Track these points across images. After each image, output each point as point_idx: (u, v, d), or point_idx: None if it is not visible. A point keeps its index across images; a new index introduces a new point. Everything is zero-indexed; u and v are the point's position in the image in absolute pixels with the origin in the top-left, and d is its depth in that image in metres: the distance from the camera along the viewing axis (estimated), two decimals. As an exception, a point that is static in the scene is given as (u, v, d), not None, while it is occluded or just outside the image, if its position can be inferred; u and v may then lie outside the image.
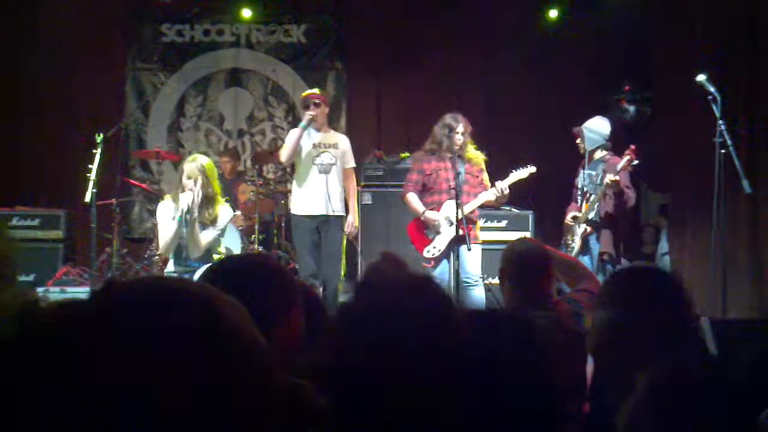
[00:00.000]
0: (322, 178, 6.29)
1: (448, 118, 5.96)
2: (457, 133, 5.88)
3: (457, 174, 5.76)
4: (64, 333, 0.76)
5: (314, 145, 6.35)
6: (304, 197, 6.35)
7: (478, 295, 5.84)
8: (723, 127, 5.18)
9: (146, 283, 0.88)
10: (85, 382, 0.73)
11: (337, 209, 6.29)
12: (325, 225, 6.26)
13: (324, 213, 6.24)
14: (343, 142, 6.49)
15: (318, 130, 6.41)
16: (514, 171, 6.03)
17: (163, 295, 0.81)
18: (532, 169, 6.03)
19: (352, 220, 6.38)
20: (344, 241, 6.51)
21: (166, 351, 0.76)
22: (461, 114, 6.01)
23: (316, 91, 6.72)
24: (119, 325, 0.77)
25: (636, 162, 6.03)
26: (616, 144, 6.37)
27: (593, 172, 6.24)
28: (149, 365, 0.74)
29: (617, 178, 5.93)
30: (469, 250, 5.61)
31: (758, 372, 1.92)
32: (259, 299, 1.24)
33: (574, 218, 6.26)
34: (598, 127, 6.33)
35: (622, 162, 5.99)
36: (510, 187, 5.99)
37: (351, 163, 6.50)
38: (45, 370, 0.73)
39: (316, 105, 6.38)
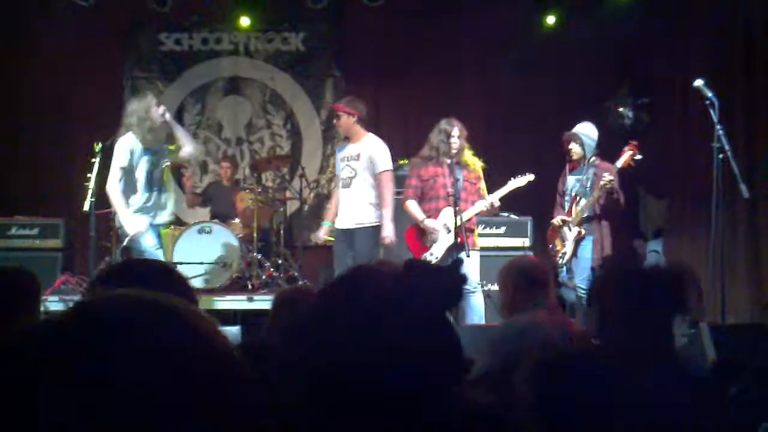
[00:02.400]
0: (345, 192, 6.20)
1: (443, 123, 5.98)
2: (453, 137, 5.89)
3: (456, 180, 5.77)
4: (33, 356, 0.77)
5: (341, 159, 6.30)
6: (338, 212, 6.29)
7: (477, 301, 5.85)
8: (721, 132, 5.19)
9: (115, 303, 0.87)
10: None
11: (363, 220, 6.09)
12: (351, 237, 6.13)
13: (349, 227, 6.14)
14: (366, 149, 6.16)
15: (348, 141, 6.27)
16: (512, 179, 6.05)
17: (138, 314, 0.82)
18: (530, 177, 6.04)
19: (386, 232, 5.99)
20: (379, 251, 6.22)
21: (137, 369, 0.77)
22: (456, 119, 6.02)
23: (337, 104, 6.62)
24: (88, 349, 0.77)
25: (639, 157, 6.01)
26: (611, 149, 6.37)
27: (583, 177, 6.24)
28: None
29: (613, 177, 5.94)
30: (468, 256, 5.61)
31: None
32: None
33: (564, 221, 6.24)
34: (591, 132, 6.34)
35: (624, 157, 5.99)
36: (508, 193, 6.01)
37: (380, 167, 6.09)
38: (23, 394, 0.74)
39: (336, 118, 6.35)
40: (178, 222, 8.52)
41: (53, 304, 5.92)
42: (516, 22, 8.45)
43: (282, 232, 8.10)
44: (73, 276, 7.05)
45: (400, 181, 6.55)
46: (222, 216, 7.68)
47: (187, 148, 5.99)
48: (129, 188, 5.84)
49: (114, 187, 5.77)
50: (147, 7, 8.52)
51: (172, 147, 5.99)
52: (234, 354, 0.85)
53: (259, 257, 7.38)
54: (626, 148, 6.07)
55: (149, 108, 5.80)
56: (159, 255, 5.86)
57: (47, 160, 8.65)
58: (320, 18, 9.02)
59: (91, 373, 0.75)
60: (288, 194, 8.55)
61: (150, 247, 5.86)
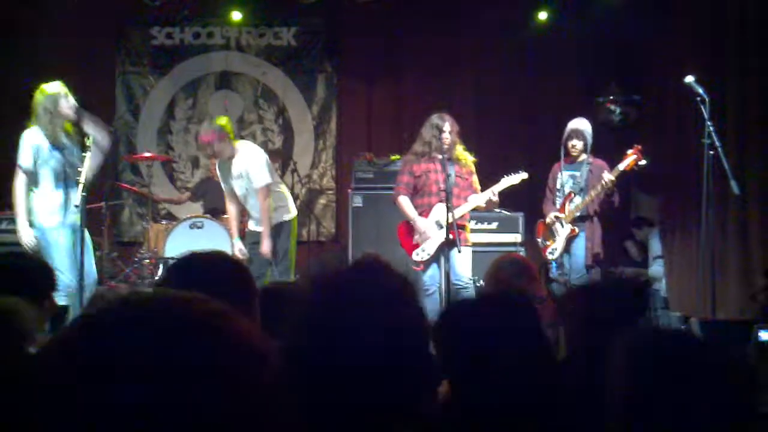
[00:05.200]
0: (246, 205, 6.34)
1: (434, 118, 5.97)
2: (445, 132, 5.88)
3: (447, 176, 5.77)
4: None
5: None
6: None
7: (467, 297, 5.85)
8: (711, 129, 5.20)
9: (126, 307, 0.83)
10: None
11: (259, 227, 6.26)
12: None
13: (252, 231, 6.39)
14: (241, 164, 6.17)
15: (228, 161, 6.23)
16: (505, 177, 6.05)
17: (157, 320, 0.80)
18: (524, 175, 6.04)
19: (264, 247, 6.13)
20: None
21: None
22: (448, 114, 6.02)
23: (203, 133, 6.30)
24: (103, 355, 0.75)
25: (643, 162, 6.00)
26: (599, 145, 6.39)
27: (576, 173, 6.24)
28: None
29: (614, 179, 5.92)
30: (459, 252, 5.62)
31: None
32: (223, 294, 1.26)
33: (557, 218, 6.23)
34: (589, 129, 6.34)
35: (627, 161, 5.97)
36: (502, 190, 6.02)
37: (257, 183, 6.13)
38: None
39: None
40: (169, 217, 8.53)
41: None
42: (509, 18, 8.46)
43: (274, 227, 8.09)
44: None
45: (391, 177, 6.55)
46: (214, 211, 7.67)
47: (99, 139, 5.52)
48: (35, 186, 5.45)
49: (18, 186, 5.42)
50: (138, 1, 8.49)
51: (88, 142, 5.47)
52: (267, 362, 0.82)
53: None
54: (630, 152, 6.02)
55: (57, 99, 5.43)
56: (73, 254, 5.43)
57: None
58: (312, 13, 8.99)
59: (95, 399, 0.72)
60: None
61: (62, 246, 5.43)
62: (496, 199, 5.97)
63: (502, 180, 6.03)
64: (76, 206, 5.47)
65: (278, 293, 2.86)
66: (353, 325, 1.28)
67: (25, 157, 5.40)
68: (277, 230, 6.26)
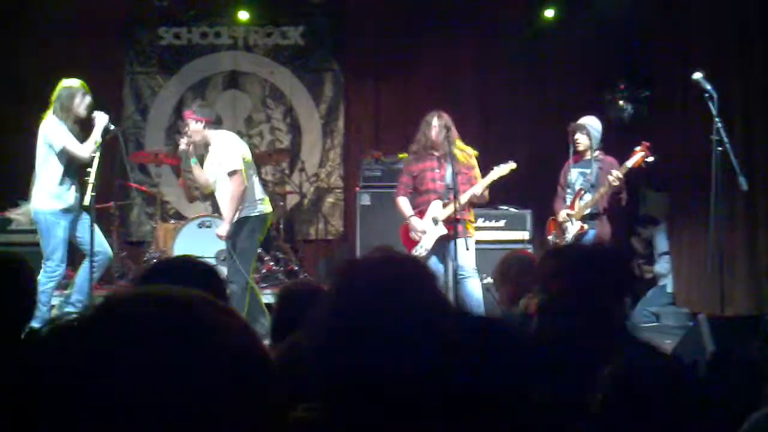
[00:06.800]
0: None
1: (427, 116, 6.07)
2: (434, 127, 5.93)
3: (448, 173, 5.83)
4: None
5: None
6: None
7: (473, 287, 5.87)
8: (720, 125, 5.19)
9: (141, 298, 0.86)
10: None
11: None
12: None
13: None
14: (211, 153, 6.05)
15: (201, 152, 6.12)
16: (495, 168, 6.05)
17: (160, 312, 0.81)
18: (512, 165, 6.04)
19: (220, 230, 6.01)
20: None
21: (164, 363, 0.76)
22: (443, 111, 6.04)
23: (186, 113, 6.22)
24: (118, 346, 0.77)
25: (651, 159, 5.96)
26: (610, 143, 6.38)
27: (587, 170, 6.22)
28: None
29: (622, 176, 5.90)
30: (455, 242, 5.70)
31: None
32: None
33: (568, 216, 6.22)
34: (597, 125, 6.32)
35: (635, 158, 5.93)
36: (506, 187, 6.03)
37: (225, 168, 5.93)
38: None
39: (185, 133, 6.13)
40: (178, 216, 8.56)
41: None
42: (515, 16, 8.46)
43: (282, 226, 8.12)
44: (74, 271, 7.06)
45: (399, 175, 6.56)
46: (222, 210, 7.68)
47: (81, 150, 5.62)
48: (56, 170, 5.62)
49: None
50: (146, 1, 8.51)
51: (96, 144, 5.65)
52: (262, 350, 0.84)
53: (258, 251, 7.38)
54: (638, 149, 5.98)
55: (74, 95, 5.64)
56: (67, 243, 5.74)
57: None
58: (319, 12, 9.02)
59: (107, 381, 0.74)
60: (288, 188, 8.57)
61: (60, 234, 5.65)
62: (483, 194, 5.95)
63: (491, 172, 6.03)
64: (86, 207, 5.54)
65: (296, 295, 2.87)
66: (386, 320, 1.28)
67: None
68: (240, 224, 5.93)
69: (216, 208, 7.88)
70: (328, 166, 9.12)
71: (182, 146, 6.09)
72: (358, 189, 7.61)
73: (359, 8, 8.94)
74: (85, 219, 5.76)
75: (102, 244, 5.87)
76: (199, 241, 7.07)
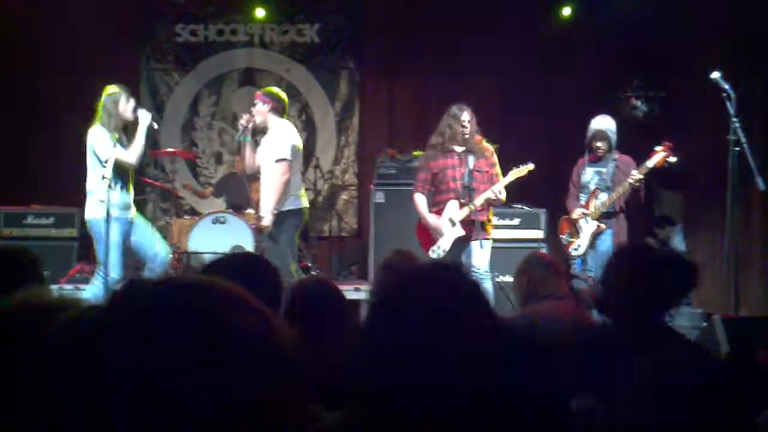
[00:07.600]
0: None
1: (453, 109, 5.93)
2: (464, 122, 5.83)
3: (466, 171, 5.77)
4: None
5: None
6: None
7: (483, 288, 5.82)
8: (737, 125, 5.15)
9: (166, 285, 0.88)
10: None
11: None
12: None
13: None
14: (267, 138, 6.11)
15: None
16: (513, 168, 6.00)
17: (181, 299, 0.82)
18: (530, 166, 5.97)
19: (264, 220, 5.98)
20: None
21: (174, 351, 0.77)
22: (466, 105, 5.96)
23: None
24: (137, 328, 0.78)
25: (673, 159, 5.89)
26: (623, 141, 6.33)
27: (603, 169, 6.17)
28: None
29: (642, 177, 5.85)
30: (471, 243, 5.67)
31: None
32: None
33: (583, 215, 6.17)
34: (613, 127, 6.24)
35: (656, 158, 5.86)
36: (521, 185, 5.98)
37: (274, 155, 5.94)
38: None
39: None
40: (192, 212, 8.59)
41: (68, 292, 5.96)
42: (531, 14, 8.43)
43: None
44: (88, 265, 7.11)
45: (413, 173, 6.55)
46: (237, 206, 7.71)
47: (129, 157, 5.76)
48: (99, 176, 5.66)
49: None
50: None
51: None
52: (280, 342, 0.85)
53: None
54: (659, 149, 5.90)
55: (118, 99, 5.71)
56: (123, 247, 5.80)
57: (64, 149, 8.69)
58: (335, 10, 9.03)
59: (131, 362, 0.75)
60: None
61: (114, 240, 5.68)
62: (502, 195, 5.85)
63: (510, 173, 5.97)
64: (102, 201, 5.56)
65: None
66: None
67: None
68: (283, 216, 5.94)
69: (229, 205, 7.94)
70: (342, 163, 9.13)
71: (242, 121, 6.13)
72: (372, 186, 7.60)
73: (375, 6, 8.93)
74: (140, 223, 5.87)
75: (154, 247, 5.92)
76: (214, 237, 7.09)
